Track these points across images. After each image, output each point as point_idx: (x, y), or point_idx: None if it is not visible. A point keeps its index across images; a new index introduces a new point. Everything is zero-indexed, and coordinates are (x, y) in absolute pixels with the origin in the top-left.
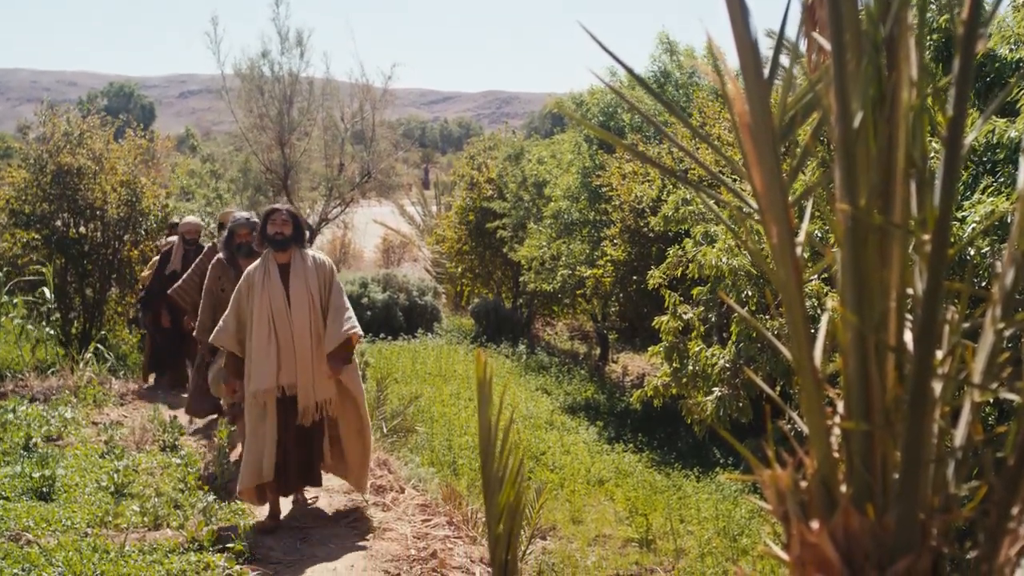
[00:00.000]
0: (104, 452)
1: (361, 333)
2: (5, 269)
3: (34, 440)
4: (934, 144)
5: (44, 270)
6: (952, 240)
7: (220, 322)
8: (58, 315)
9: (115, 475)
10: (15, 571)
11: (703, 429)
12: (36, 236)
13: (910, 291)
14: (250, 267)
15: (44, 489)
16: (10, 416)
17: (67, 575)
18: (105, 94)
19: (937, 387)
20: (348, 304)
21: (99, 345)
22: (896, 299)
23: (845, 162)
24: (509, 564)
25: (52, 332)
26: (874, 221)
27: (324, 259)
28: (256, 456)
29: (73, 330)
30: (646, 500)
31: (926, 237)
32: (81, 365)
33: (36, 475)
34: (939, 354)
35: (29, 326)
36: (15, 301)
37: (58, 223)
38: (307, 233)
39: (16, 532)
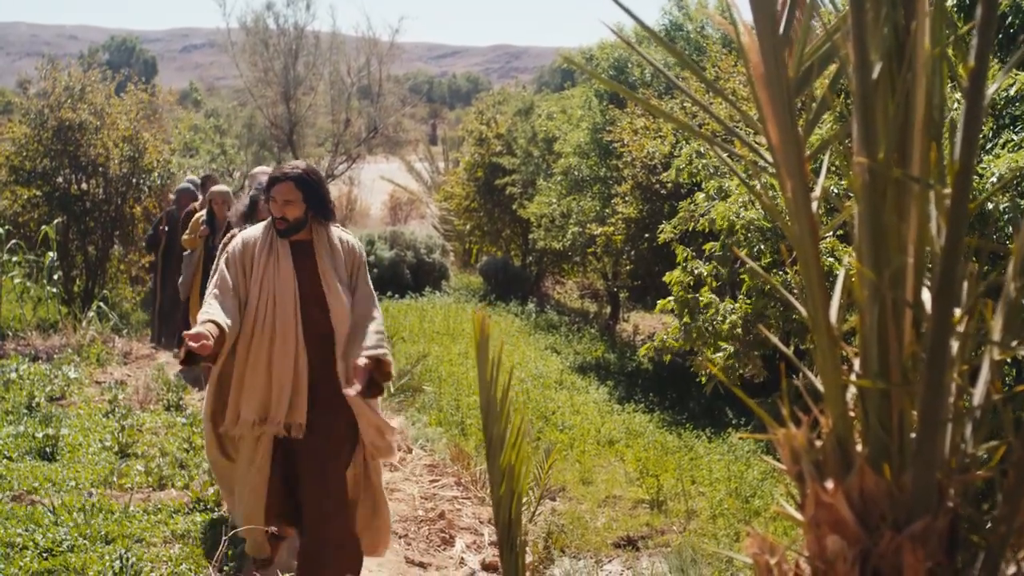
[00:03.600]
0: (108, 411)
1: (391, 360)
2: (6, 227)
3: (37, 400)
4: (955, 95)
5: (46, 228)
6: (971, 195)
7: (211, 297)
8: (60, 273)
9: (119, 435)
10: (19, 531)
11: (712, 383)
12: (37, 193)
13: (928, 247)
14: (246, 233)
15: (48, 449)
16: (13, 375)
17: (72, 535)
18: (106, 48)
19: (955, 345)
20: (378, 310)
21: (101, 304)
22: (914, 255)
23: (863, 114)
24: (512, 525)
25: (54, 290)
26: (893, 175)
27: (353, 241)
28: (243, 505)
29: (75, 288)
30: (657, 461)
31: (946, 191)
32: (84, 324)
33: (39, 435)
34: (957, 311)
35: (30, 284)
36: (16, 259)
37: (59, 179)
38: (329, 201)
39: (20, 492)
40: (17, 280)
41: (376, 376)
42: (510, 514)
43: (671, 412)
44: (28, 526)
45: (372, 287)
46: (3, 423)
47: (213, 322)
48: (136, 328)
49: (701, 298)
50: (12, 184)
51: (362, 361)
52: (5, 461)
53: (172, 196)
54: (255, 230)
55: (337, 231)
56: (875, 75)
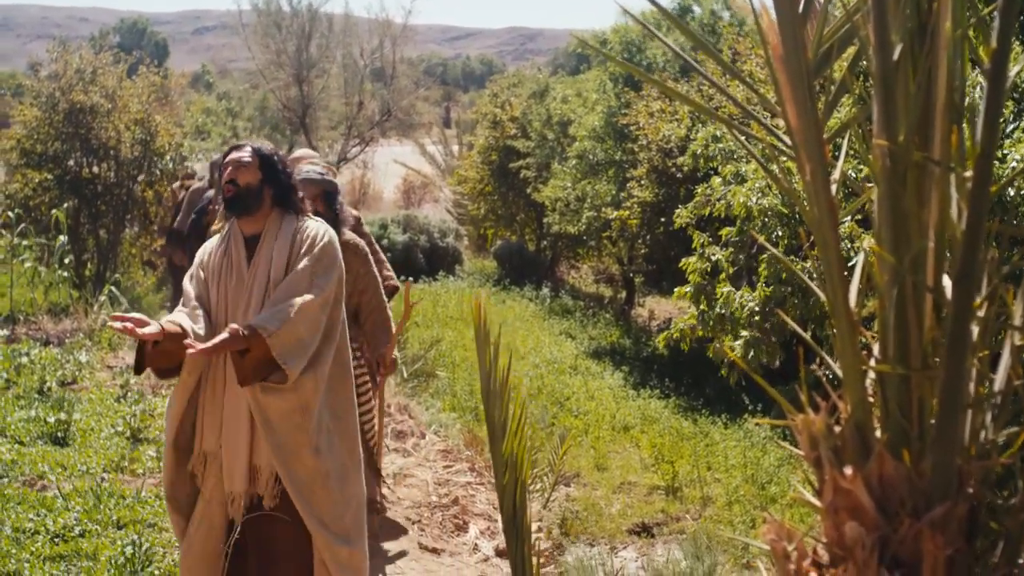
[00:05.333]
0: (120, 396)
1: (286, 360)
2: (16, 210)
3: (48, 384)
4: (976, 79)
5: (57, 212)
6: (993, 179)
7: (176, 311)
8: (71, 257)
9: (131, 420)
10: (30, 516)
11: (733, 373)
12: (48, 176)
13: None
14: (208, 242)
15: (59, 434)
16: (24, 360)
17: (83, 520)
18: (117, 30)
19: (975, 330)
20: (307, 296)
21: (113, 288)
22: (935, 239)
23: (883, 96)
24: (517, 514)
25: (65, 274)
26: (913, 158)
27: (316, 230)
28: None
29: (87, 272)
30: (672, 447)
31: (967, 174)
32: (95, 308)
33: (51, 419)
34: (978, 296)
35: (41, 268)
36: (27, 243)
37: (71, 163)
38: (291, 186)
39: (31, 477)
40: (28, 264)
41: (253, 351)
42: (515, 502)
43: (687, 398)
44: (39, 511)
45: (325, 283)
46: (15, 407)
47: (173, 321)
48: (148, 312)
49: (718, 288)
50: (23, 167)
51: (233, 327)
52: (17, 446)
53: (199, 179)
54: (216, 238)
55: (313, 222)
56: (896, 56)
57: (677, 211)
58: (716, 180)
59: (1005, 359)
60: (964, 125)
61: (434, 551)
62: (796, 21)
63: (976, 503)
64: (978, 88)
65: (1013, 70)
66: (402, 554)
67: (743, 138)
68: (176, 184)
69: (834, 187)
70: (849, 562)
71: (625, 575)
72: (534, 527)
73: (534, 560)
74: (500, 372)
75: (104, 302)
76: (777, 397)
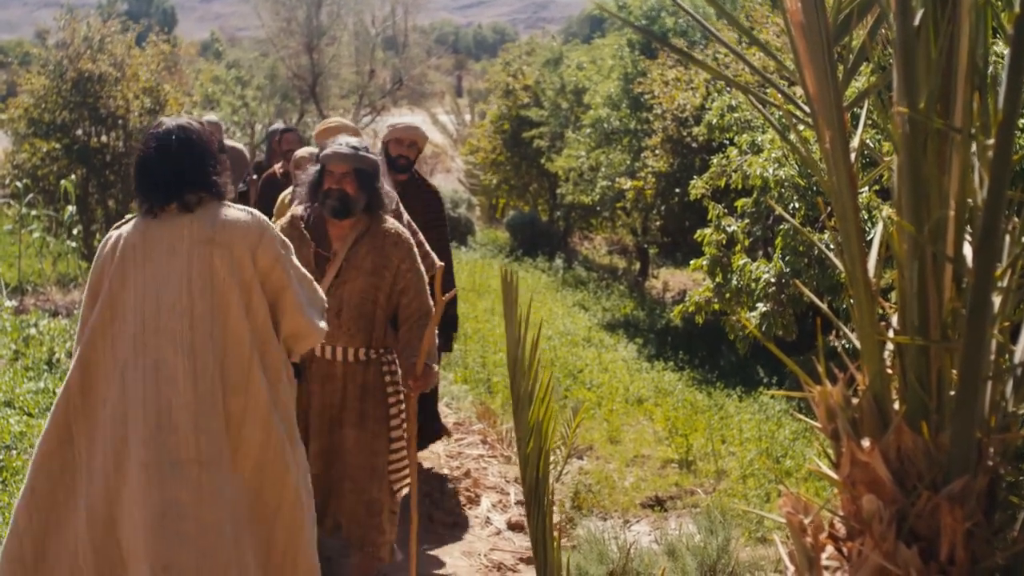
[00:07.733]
0: None
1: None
2: (24, 180)
3: (57, 356)
4: (998, 47)
5: (66, 182)
6: (1015, 147)
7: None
8: (80, 228)
9: None
10: None
11: (746, 346)
12: (56, 146)
13: (970, 200)
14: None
15: None
16: (33, 331)
17: None
18: None
19: (997, 300)
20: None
21: None
22: (955, 208)
23: (904, 63)
24: (540, 483)
25: (74, 245)
26: (934, 125)
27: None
28: None
29: (95, 243)
30: (686, 420)
31: (989, 142)
32: None
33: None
34: (999, 266)
35: (50, 239)
36: (35, 213)
37: (79, 132)
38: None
39: None
40: (36, 235)
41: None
42: (538, 471)
43: (701, 370)
44: None
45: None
46: (23, 379)
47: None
48: None
49: (734, 260)
50: (31, 137)
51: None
52: (25, 418)
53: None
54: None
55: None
56: (917, 22)
57: (692, 182)
58: (732, 151)
59: None
60: (986, 92)
61: (445, 524)
62: None
63: (995, 476)
64: (999, 57)
65: None
66: None
67: (761, 106)
68: None
69: (853, 155)
70: (866, 535)
71: (638, 549)
72: None
73: (555, 530)
74: (529, 340)
75: None
76: (795, 368)
